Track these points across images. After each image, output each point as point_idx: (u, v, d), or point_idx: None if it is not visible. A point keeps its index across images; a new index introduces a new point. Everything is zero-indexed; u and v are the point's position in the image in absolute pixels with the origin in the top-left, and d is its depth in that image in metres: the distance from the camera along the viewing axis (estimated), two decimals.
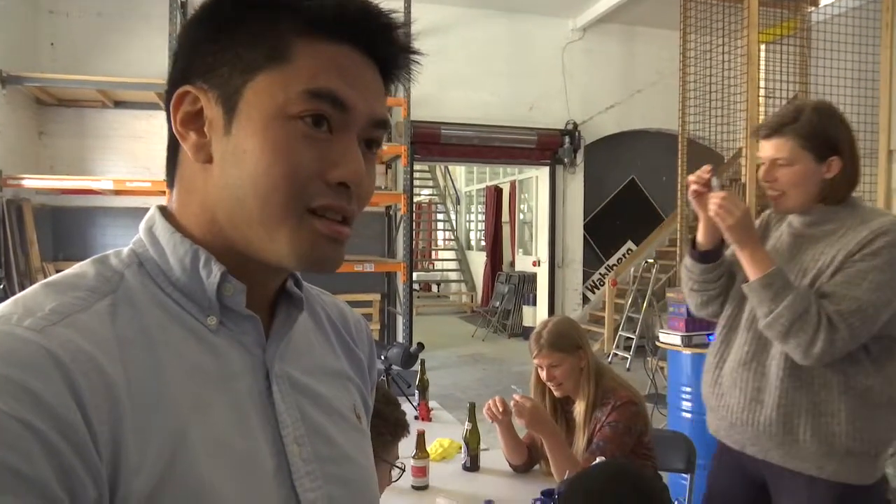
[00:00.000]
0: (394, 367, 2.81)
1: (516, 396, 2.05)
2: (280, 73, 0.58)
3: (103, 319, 0.54)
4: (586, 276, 8.91)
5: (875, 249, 1.50)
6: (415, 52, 0.64)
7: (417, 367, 2.88)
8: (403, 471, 1.51)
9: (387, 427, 1.41)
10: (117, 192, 6.18)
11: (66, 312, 0.53)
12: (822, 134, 1.58)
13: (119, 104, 6.71)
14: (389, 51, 0.63)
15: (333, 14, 0.58)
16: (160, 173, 6.48)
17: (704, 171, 1.66)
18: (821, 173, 1.60)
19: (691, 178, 1.68)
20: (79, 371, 0.49)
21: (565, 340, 2.11)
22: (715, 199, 1.61)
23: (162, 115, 6.80)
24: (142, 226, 0.64)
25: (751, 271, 1.59)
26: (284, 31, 0.58)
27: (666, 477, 2.40)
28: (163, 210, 0.64)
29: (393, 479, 1.53)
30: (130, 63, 6.50)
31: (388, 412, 1.43)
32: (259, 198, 0.58)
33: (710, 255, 1.75)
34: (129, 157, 6.75)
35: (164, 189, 5.99)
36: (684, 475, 2.43)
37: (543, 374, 2.14)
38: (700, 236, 1.76)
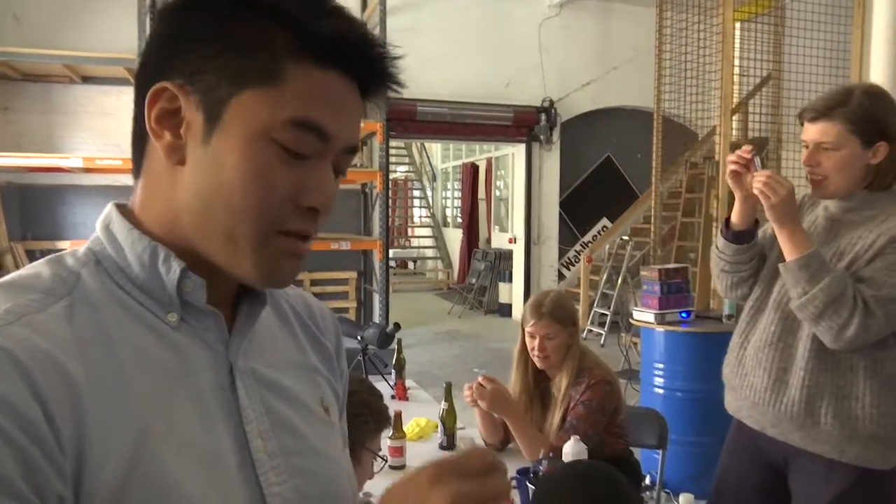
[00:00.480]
0: (370, 346, 2.81)
1: (480, 379, 2.09)
2: (269, 94, 0.57)
3: (60, 321, 0.54)
4: (562, 253, 8.97)
5: None
6: (399, 84, 0.64)
7: (394, 346, 2.89)
8: (386, 461, 1.54)
9: (371, 416, 1.43)
10: (87, 170, 6.05)
11: (22, 313, 0.52)
12: (873, 118, 1.54)
13: (87, 79, 6.56)
14: (377, 81, 0.62)
15: (333, 42, 0.58)
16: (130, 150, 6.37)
17: (745, 151, 1.63)
18: (866, 158, 1.56)
19: (731, 157, 1.65)
20: (37, 369, 0.49)
21: (564, 313, 2.14)
22: (760, 177, 1.57)
23: (131, 90, 6.70)
24: (98, 224, 0.63)
25: (788, 251, 1.56)
26: (280, 50, 0.57)
27: (638, 453, 2.45)
28: (120, 207, 0.64)
29: (375, 471, 1.55)
30: (98, 37, 6.33)
31: (372, 402, 1.46)
32: (231, 215, 0.58)
33: (745, 236, 1.73)
34: (99, 134, 6.61)
35: None
36: (656, 451, 2.48)
37: (534, 344, 2.14)
38: (735, 217, 1.72)
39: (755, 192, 1.59)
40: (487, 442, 2.26)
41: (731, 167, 1.65)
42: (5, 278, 0.57)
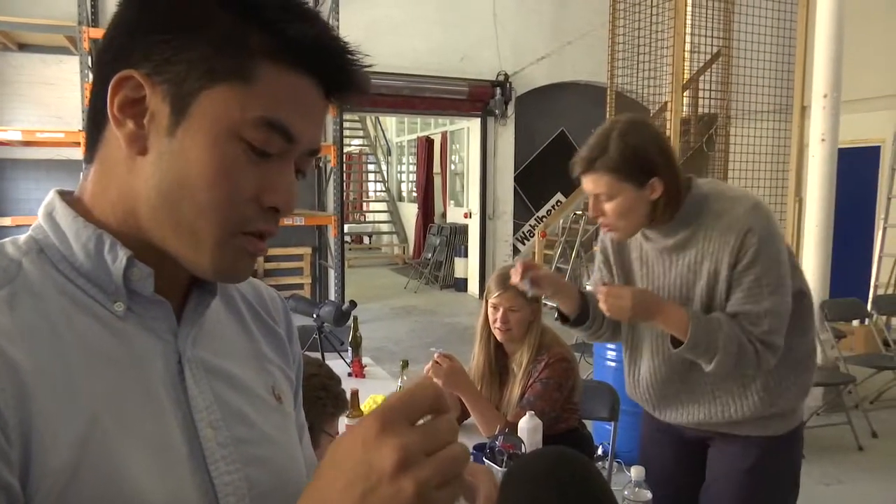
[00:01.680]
0: (326, 325, 2.80)
1: (436, 356, 2.11)
2: (240, 91, 0.56)
3: (1, 310, 0.53)
4: (517, 228, 9.04)
5: (752, 257, 1.49)
6: (366, 92, 0.64)
7: (350, 324, 2.88)
8: None
9: (330, 400, 1.44)
10: (27, 143, 5.82)
11: None
12: (634, 160, 1.50)
13: (24, 47, 6.27)
14: (345, 88, 0.62)
15: (309, 48, 0.58)
16: (73, 123, 6.13)
17: (517, 275, 1.65)
18: (646, 197, 1.52)
19: (514, 280, 1.68)
20: None
21: None
22: (601, 299, 1.58)
23: (73, 60, 6.39)
24: (41, 211, 0.61)
25: (672, 331, 1.58)
26: (255, 49, 0.57)
27: (591, 425, 2.51)
28: (63, 195, 0.62)
29: None
30: (35, 3, 6.05)
31: (331, 385, 1.47)
32: (195, 210, 0.57)
33: (581, 318, 1.76)
34: (39, 105, 6.35)
35: (79, 140, 5.71)
36: (608, 423, 2.54)
37: (497, 315, 2.15)
38: (563, 308, 1.77)
39: (606, 314, 1.61)
40: None
41: (520, 288, 1.68)
42: None
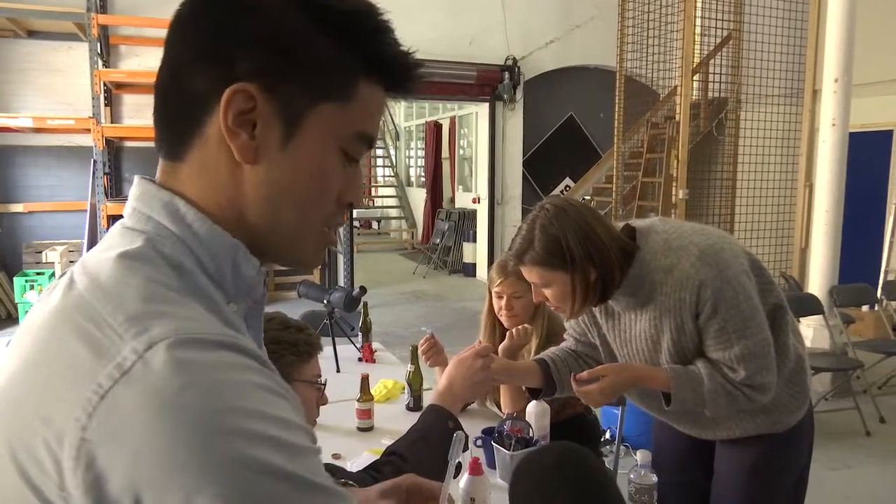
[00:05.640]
0: (336, 310, 2.82)
1: (428, 336, 2.15)
2: (343, 109, 0.62)
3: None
4: (525, 213, 9.00)
5: (711, 309, 1.47)
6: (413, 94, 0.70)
7: (360, 309, 2.90)
8: (325, 384, 1.53)
9: (288, 349, 1.44)
10: (37, 130, 5.86)
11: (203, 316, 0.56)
12: (559, 254, 1.49)
13: (34, 34, 6.29)
14: (410, 92, 0.68)
15: (397, 66, 0.64)
16: (83, 109, 6.16)
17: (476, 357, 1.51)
18: (583, 279, 1.51)
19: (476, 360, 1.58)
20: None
21: None
22: (583, 398, 1.60)
23: (82, 47, 6.37)
24: (158, 209, 0.60)
25: (661, 390, 1.58)
26: (355, 71, 0.62)
27: (598, 411, 2.53)
28: (172, 192, 0.61)
29: (324, 396, 1.54)
30: None
31: (285, 335, 1.45)
32: (298, 213, 0.63)
33: (549, 390, 1.76)
34: (49, 92, 6.37)
35: (89, 126, 5.73)
36: (616, 407, 2.57)
37: (502, 304, 2.16)
38: (528, 385, 1.78)
39: (590, 404, 1.63)
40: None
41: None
42: (146, 286, 0.55)
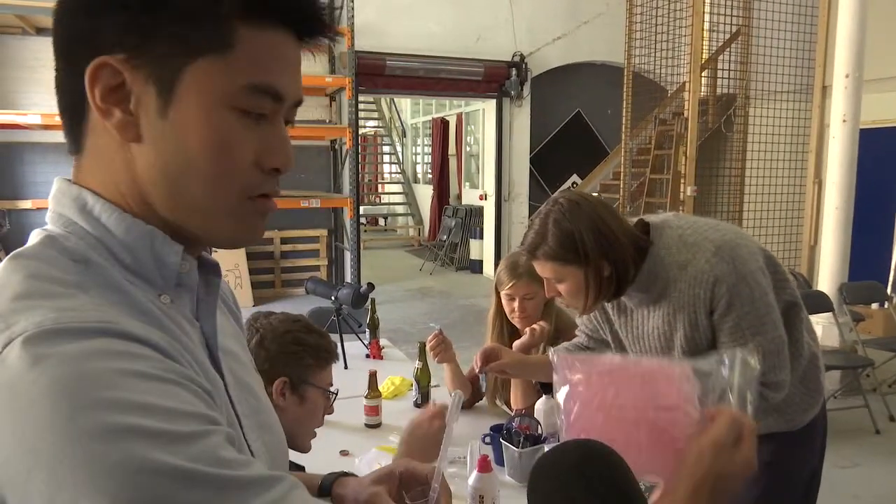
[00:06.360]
0: (344, 307, 2.82)
1: (436, 332, 2.16)
2: (223, 60, 0.55)
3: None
4: (532, 210, 9.00)
5: (725, 306, 1.45)
6: (337, 35, 0.64)
7: (368, 306, 2.90)
8: (336, 394, 1.54)
9: (308, 352, 1.45)
10: (46, 127, 5.87)
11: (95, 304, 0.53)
12: (571, 246, 1.47)
13: (42, 31, 6.30)
14: (317, 33, 0.61)
15: (285, 3, 0.58)
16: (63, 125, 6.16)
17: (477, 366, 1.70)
18: (596, 275, 1.48)
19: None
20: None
21: None
22: None
23: None
24: (69, 206, 0.59)
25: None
26: (228, 14, 0.55)
27: None
28: (80, 186, 0.60)
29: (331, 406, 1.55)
30: None
31: (308, 339, 1.47)
32: (204, 187, 0.57)
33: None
34: None
35: None
36: None
37: (514, 306, 2.14)
38: (539, 379, 1.82)
39: None
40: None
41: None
42: (26, 282, 0.53)
